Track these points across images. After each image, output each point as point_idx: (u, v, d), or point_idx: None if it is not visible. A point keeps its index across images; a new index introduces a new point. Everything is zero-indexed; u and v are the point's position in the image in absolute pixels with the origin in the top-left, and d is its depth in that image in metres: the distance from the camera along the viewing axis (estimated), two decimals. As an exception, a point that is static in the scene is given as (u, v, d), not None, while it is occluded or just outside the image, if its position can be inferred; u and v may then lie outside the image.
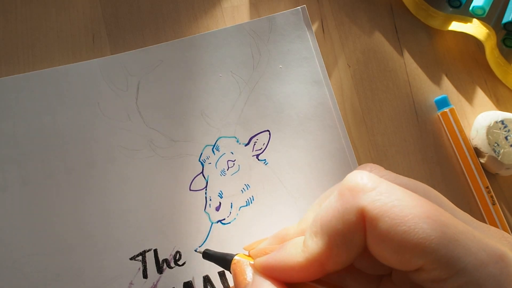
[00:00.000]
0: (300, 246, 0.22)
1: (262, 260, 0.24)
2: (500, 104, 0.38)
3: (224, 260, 0.26)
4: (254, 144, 0.36)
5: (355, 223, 0.20)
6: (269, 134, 0.36)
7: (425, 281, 0.20)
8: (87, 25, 0.38)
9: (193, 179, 0.35)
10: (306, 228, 0.24)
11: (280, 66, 0.37)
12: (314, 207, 0.25)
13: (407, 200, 0.20)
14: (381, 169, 0.24)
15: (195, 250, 0.34)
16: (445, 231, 0.20)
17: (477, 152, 0.36)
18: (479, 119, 0.37)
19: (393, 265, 0.21)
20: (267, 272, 0.23)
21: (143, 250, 0.34)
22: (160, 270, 0.33)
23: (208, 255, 0.27)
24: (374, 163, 0.36)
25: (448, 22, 0.38)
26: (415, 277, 0.21)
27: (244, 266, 0.25)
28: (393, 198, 0.20)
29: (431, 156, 0.37)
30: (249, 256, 0.25)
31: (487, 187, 0.36)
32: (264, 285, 0.23)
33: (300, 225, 0.25)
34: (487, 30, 0.37)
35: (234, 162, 0.35)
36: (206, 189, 0.35)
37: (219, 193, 0.35)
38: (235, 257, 0.25)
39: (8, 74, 0.36)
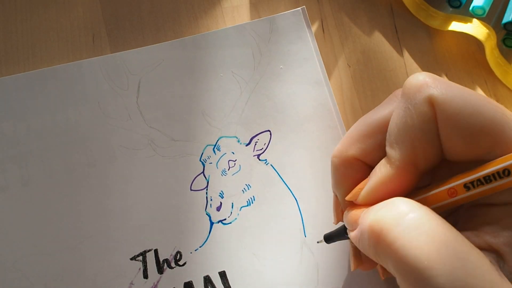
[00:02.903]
0: (387, 162, 0.24)
1: (363, 193, 0.24)
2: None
3: (343, 231, 0.27)
4: (255, 144, 0.36)
5: (427, 113, 0.22)
6: (270, 134, 0.36)
7: None
8: (87, 25, 0.38)
9: (194, 179, 0.35)
10: (349, 142, 0.26)
11: (281, 66, 0.37)
12: (358, 123, 0.27)
13: (467, 90, 0.22)
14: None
15: (317, 242, 0.33)
16: (506, 114, 0.21)
17: (478, 152, 0.36)
18: (479, 119, 0.37)
19: (462, 152, 0.22)
20: (373, 200, 0.24)
21: (143, 250, 0.34)
22: (160, 270, 0.33)
23: (330, 237, 0.30)
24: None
25: (448, 22, 0.39)
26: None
27: (354, 214, 0.25)
28: (455, 87, 0.22)
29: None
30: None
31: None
32: (392, 200, 0.23)
33: (344, 142, 0.27)
34: (487, 30, 0.37)
35: (235, 162, 0.35)
36: (207, 189, 0.35)
37: (220, 193, 0.35)
38: (345, 212, 0.26)
39: (8, 74, 0.36)
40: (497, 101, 0.38)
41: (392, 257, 0.20)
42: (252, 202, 0.35)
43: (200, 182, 0.35)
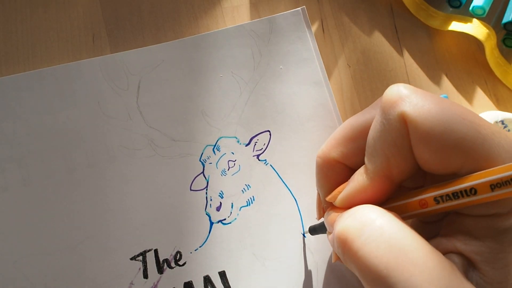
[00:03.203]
0: (364, 172, 0.24)
1: (338, 199, 0.25)
2: (500, 104, 0.38)
3: (325, 226, 0.28)
4: (255, 144, 0.36)
5: (400, 129, 0.22)
6: (270, 134, 0.36)
7: None
8: (87, 25, 0.38)
9: (194, 179, 0.35)
10: (335, 141, 0.27)
11: (281, 67, 0.37)
12: (335, 135, 0.27)
13: (442, 104, 0.22)
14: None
15: (303, 234, 0.35)
16: (480, 131, 0.21)
17: (477, 152, 0.36)
18: (479, 119, 0.37)
19: (435, 168, 0.22)
20: (347, 205, 0.25)
21: (143, 250, 0.34)
22: (160, 270, 0.33)
23: (314, 230, 0.32)
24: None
25: (448, 22, 0.39)
26: None
27: (331, 218, 0.26)
28: (430, 102, 0.22)
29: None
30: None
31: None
32: (364, 207, 0.24)
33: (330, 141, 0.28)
34: (487, 30, 0.37)
35: (235, 162, 0.35)
36: (206, 189, 0.35)
37: (220, 193, 0.35)
38: (326, 212, 0.27)
39: (8, 74, 0.36)
40: (497, 101, 0.38)
41: (356, 265, 0.21)
42: (252, 202, 0.35)
43: (200, 182, 0.35)
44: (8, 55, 0.37)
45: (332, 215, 0.26)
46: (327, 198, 0.27)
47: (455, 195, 0.21)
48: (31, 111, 0.35)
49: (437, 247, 0.22)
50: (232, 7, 0.39)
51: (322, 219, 0.30)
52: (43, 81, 0.36)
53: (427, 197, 0.23)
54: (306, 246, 0.34)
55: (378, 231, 0.21)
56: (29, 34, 0.37)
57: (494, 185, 0.20)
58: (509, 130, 0.36)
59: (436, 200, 0.22)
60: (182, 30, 0.38)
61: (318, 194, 0.30)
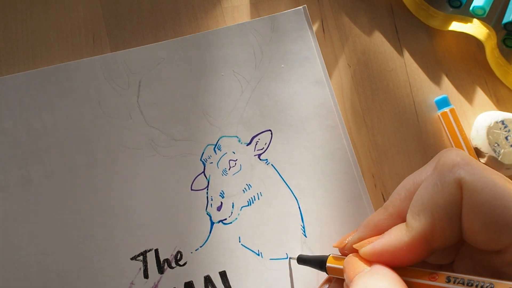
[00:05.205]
0: (404, 229, 0.23)
1: (369, 248, 0.24)
2: (500, 104, 0.38)
3: (320, 262, 0.28)
4: (256, 143, 0.36)
5: (454, 195, 0.22)
6: (271, 133, 0.36)
7: (507, 263, 0.21)
8: (87, 25, 0.38)
9: (195, 179, 0.35)
10: (394, 212, 0.25)
11: (282, 65, 0.37)
12: (398, 190, 0.26)
13: (500, 180, 0.21)
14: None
15: (289, 258, 0.34)
16: None
17: (477, 152, 0.37)
18: (479, 119, 0.37)
19: (481, 241, 0.22)
20: (375, 258, 0.24)
21: (144, 250, 0.33)
22: (161, 270, 0.33)
23: (305, 261, 0.30)
24: (374, 163, 0.36)
25: (448, 22, 0.39)
26: (496, 259, 0.22)
27: (354, 260, 0.25)
28: (487, 174, 0.21)
29: (431, 156, 0.37)
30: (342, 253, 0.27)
31: (488, 187, 0.36)
32: (382, 271, 0.23)
33: (387, 210, 0.26)
34: (487, 30, 0.37)
35: (236, 161, 0.35)
36: (207, 189, 0.35)
37: (221, 193, 0.35)
38: (348, 257, 0.26)
39: (8, 74, 0.36)
40: (497, 101, 0.38)
41: None
42: (253, 202, 0.35)
43: (201, 182, 0.35)
44: (8, 55, 0.37)
45: (352, 272, 0.24)
46: (355, 245, 0.26)
47: (470, 283, 0.21)
48: (32, 110, 0.35)
49: None
50: (232, 7, 0.39)
51: (316, 254, 0.29)
52: (44, 80, 0.36)
53: (441, 273, 0.22)
54: (307, 247, 0.34)
55: None
56: (29, 34, 0.37)
57: None
58: (509, 130, 0.36)
59: (448, 279, 0.22)
60: (182, 30, 0.38)
61: (355, 231, 0.29)
